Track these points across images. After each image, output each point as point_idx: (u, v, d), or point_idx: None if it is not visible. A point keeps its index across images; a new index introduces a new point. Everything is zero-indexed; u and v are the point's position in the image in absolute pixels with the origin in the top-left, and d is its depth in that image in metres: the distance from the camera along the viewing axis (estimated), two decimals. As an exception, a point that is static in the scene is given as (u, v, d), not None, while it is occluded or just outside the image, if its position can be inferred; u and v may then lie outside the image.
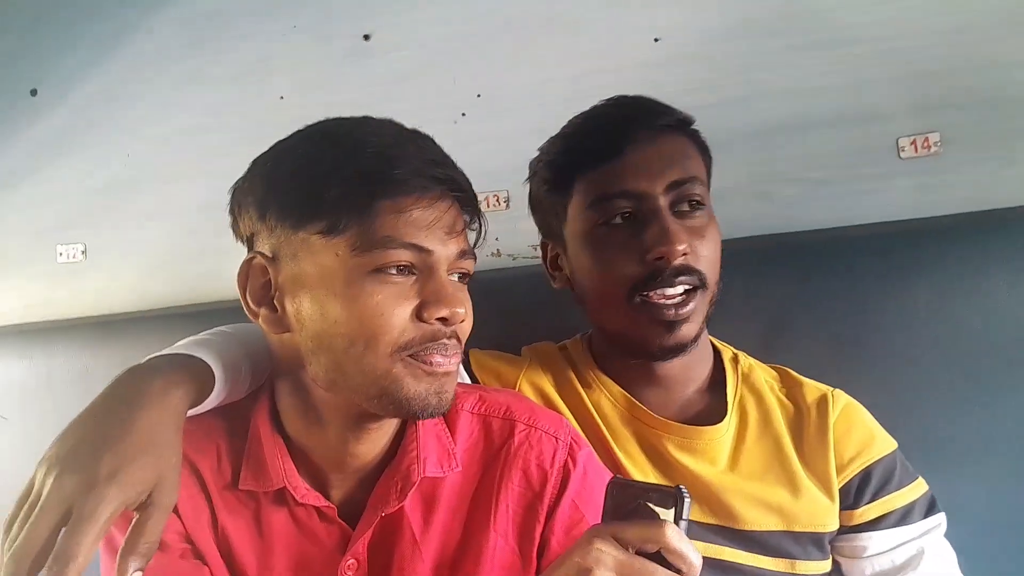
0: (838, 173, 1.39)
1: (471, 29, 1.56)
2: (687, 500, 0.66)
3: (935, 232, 1.31)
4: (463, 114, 1.56)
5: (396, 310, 0.75)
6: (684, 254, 0.97)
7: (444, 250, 0.78)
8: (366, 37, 1.61)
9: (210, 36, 1.69)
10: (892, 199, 1.36)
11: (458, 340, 0.81)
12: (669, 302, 0.98)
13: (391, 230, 0.75)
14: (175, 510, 0.79)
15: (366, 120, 0.82)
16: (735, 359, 1.14)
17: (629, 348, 1.05)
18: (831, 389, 1.10)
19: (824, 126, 1.39)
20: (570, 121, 1.10)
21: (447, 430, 0.90)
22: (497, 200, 1.54)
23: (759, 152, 1.39)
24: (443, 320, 0.77)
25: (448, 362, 0.79)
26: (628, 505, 0.68)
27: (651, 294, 0.98)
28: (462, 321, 0.80)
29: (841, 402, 1.09)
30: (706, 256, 1.00)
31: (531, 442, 0.91)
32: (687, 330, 1.00)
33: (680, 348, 1.01)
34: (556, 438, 0.91)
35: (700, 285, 0.99)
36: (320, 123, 0.83)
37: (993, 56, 1.32)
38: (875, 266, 1.30)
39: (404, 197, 0.75)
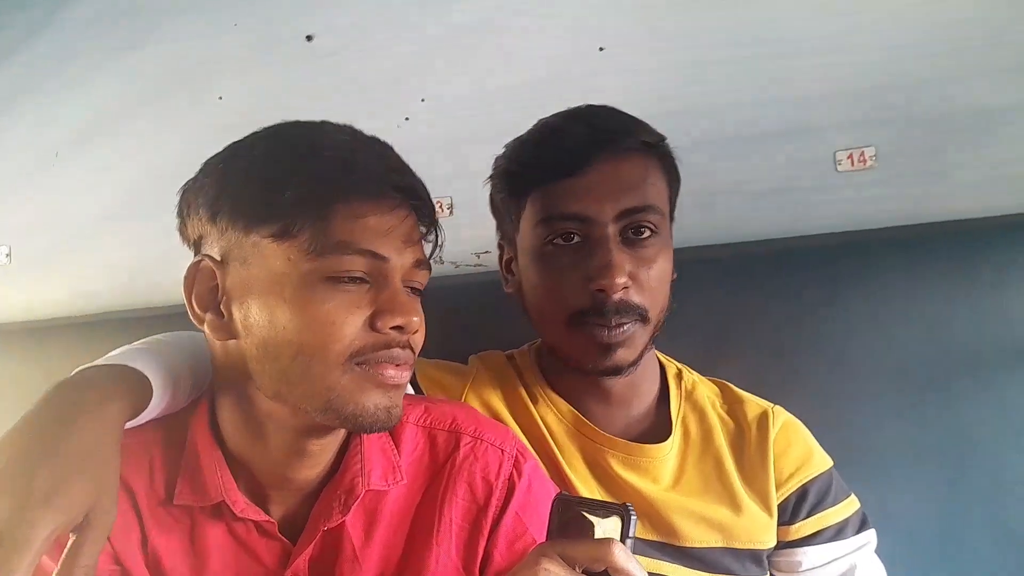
0: (778, 185, 1.40)
1: (416, 33, 1.55)
2: (634, 518, 0.66)
3: (871, 244, 1.33)
4: (406, 118, 1.54)
5: (348, 318, 0.73)
6: (625, 287, 0.95)
7: (399, 259, 0.76)
8: (309, 38, 1.58)
9: (149, 34, 1.65)
10: (830, 211, 1.38)
11: (412, 351, 0.79)
12: (605, 328, 0.96)
13: (347, 235, 0.73)
14: None
15: (324, 124, 0.80)
16: (679, 375, 1.14)
17: (568, 364, 1.04)
18: (771, 406, 1.11)
19: (765, 138, 1.40)
20: (537, 125, 1.06)
21: (392, 443, 0.88)
22: (440, 207, 1.51)
23: (701, 163, 1.39)
24: (398, 329, 0.75)
25: (399, 375, 0.77)
26: (574, 522, 0.67)
27: (588, 320, 0.97)
28: (416, 332, 0.78)
29: (781, 419, 1.09)
30: (651, 288, 0.98)
31: (476, 454, 0.89)
32: (623, 355, 0.98)
33: (616, 371, 1.00)
34: (502, 450, 0.90)
35: (640, 319, 0.98)
36: (277, 126, 0.80)
37: (928, 73, 1.35)
38: (814, 277, 1.33)
39: (361, 203, 0.74)
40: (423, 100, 1.54)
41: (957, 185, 1.35)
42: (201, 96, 1.63)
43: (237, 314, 0.76)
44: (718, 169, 1.40)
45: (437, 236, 0.84)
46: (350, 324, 0.73)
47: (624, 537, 0.65)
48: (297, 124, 0.81)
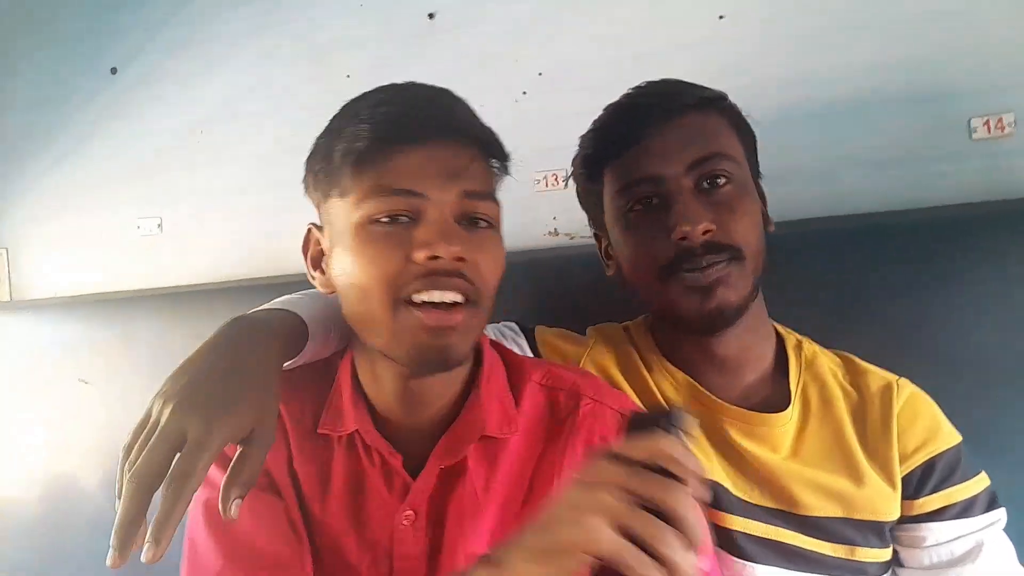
0: (906, 154, 1.35)
1: (534, 7, 1.57)
2: (680, 416, 0.68)
3: (1006, 216, 1.27)
4: (524, 92, 1.57)
5: (389, 254, 0.78)
6: (707, 231, 0.98)
7: (440, 193, 0.80)
8: (431, 16, 1.63)
9: (280, 16, 1.74)
10: (962, 182, 1.32)
11: (467, 282, 0.80)
12: (699, 267, 0.98)
13: (380, 179, 0.79)
14: None
15: (378, 89, 0.87)
16: (799, 346, 1.13)
17: (676, 325, 1.07)
18: (896, 378, 1.09)
19: (892, 105, 1.35)
20: (605, 110, 1.11)
21: (511, 396, 0.93)
22: (556, 179, 1.54)
23: (823, 132, 1.36)
24: (434, 259, 0.78)
25: (443, 318, 0.79)
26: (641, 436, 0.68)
27: (684, 272, 0.99)
28: (461, 262, 0.80)
29: (906, 391, 1.07)
30: (738, 230, 0.99)
31: (596, 415, 0.93)
32: (724, 295, 0.99)
33: (721, 315, 1.00)
34: (621, 413, 0.94)
35: (735, 258, 0.99)
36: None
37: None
38: (942, 250, 1.28)
39: (392, 147, 0.79)
40: (540, 74, 1.57)
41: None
42: (329, 74, 1.71)
43: (331, 268, 0.86)
44: (842, 138, 1.36)
45: (492, 165, 0.87)
46: (392, 260, 0.78)
47: (673, 430, 0.67)
48: (360, 97, 0.87)
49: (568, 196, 1.52)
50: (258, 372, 0.78)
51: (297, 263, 1.67)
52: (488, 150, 0.86)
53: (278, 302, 0.94)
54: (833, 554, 1.01)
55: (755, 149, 1.10)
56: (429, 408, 0.89)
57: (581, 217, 1.51)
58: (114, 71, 1.86)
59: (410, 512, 0.87)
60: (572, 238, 1.55)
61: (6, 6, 1.94)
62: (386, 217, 0.79)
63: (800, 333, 1.16)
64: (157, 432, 0.69)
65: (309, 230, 0.90)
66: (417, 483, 0.87)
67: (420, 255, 0.78)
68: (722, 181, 1.01)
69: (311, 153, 0.88)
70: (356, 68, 1.69)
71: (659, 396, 1.09)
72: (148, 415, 0.73)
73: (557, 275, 1.47)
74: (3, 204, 1.99)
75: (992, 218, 1.27)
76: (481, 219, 0.84)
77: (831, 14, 1.39)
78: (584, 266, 1.37)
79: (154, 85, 1.84)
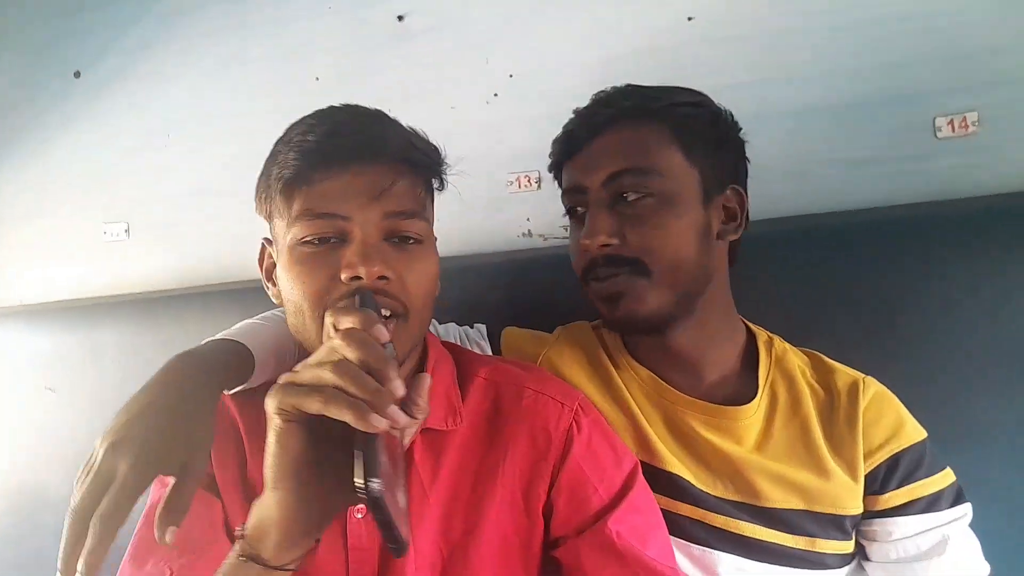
0: (875, 153, 1.37)
1: (504, 9, 1.57)
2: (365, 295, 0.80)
3: (972, 213, 1.29)
4: (495, 94, 1.56)
5: (316, 274, 0.83)
6: (604, 244, 1.02)
7: (363, 214, 0.84)
8: (400, 18, 1.62)
9: (248, 18, 1.73)
10: (929, 180, 1.35)
11: (392, 299, 0.85)
12: (603, 275, 1.04)
13: (308, 204, 0.84)
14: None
15: (315, 113, 0.90)
16: (769, 342, 1.15)
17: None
18: (863, 376, 1.11)
19: (861, 105, 1.37)
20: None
21: (458, 390, 0.97)
22: (528, 180, 1.54)
23: (795, 132, 1.38)
24: (357, 279, 0.82)
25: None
26: None
27: (588, 277, 1.07)
28: (384, 280, 0.84)
29: (872, 389, 1.09)
30: (644, 244, 1.02)
31: (538, 407, 0.96)
32: (629, 306, 1.03)
33: (632, 323, 1.05)
34: (562, 403, 0.97)
35: (637, 272, 1.02)
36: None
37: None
38: (912, 248, 1.30)
39: (315, 172, 0.84)
40: (511, 76, 1.56)
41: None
42: (298, 76, 1.69)
43: (279, 282, 0.91)
44: (812, 138, 1.38)
45: (422, 181, 0.91)
46: (318, 279, 0.83)
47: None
48: (299, 121, 0.91)
49: (541, 197, 1.54)
50: (191, 409, 0.82)
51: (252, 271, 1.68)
52: (418, 169, 0.90)
53: (234, 331, 0.98)
54: (794, 545, 1.03)
55: (718, 153, 1.08)
56: None
57: (554, 219, 1.52)
58: (78, 75, 1.83)
59: (361, 506, 0.89)
60: (545, 239, 1.55)
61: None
62: (315, 238, 0.84)
63: (771, 330, 1.18)
64: (93, 470, 0.74)
65: (262, 245, 0.96)
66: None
67: (344, 275, 0.82)
68: (636, 196, 1.03)
69: (260, 173, 0.92)
70: (325, 71, 1.68)
71: (625, 392, 1.11)
72: (93, 453, 0.77)
73: (530, 276, 1.47)
74: (-36, 211, 1.94)
75: (958, 215, 1.30)
76: (410, 236, 0.88)
77: (800, 16, 1.40)
78: (557, 267, 1.37)
79: (119, 88, 1.81)
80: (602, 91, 1.12)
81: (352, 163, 0.84)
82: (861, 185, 1.38)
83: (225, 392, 0.91)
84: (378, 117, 0.90)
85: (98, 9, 1.81)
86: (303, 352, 0.99)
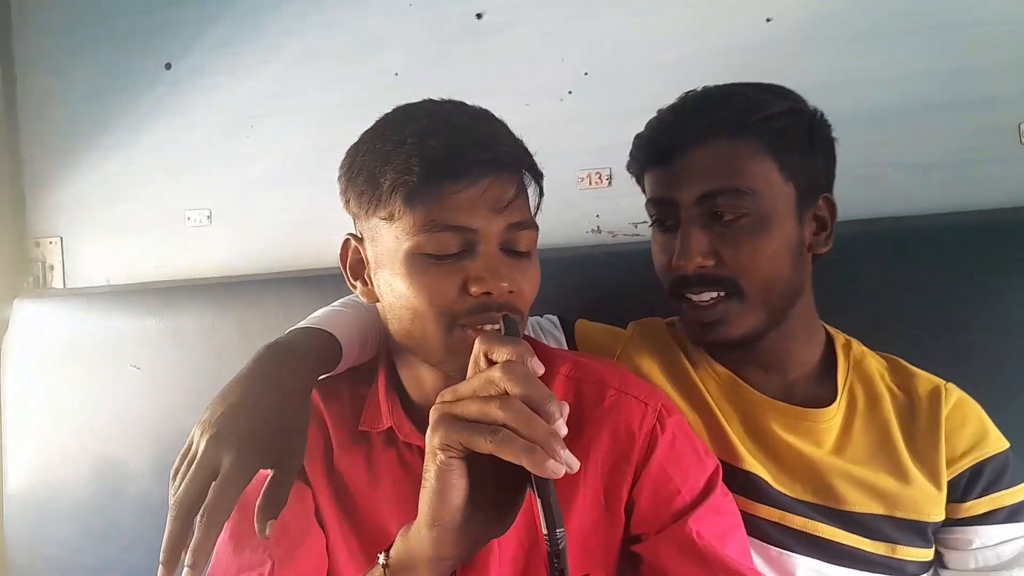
0: (953, 157, 1.36)
1: (580, 8, 1.58)
2: (509, 319, 0.79)
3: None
4: (569, 92, 1.58)
5: (445, 286, 0.83)
6: (701, 266, 1.01)
7: (489, 226, 0.84)
8: (479, 16, 1.65)
9: (332, 14, 1.77)
10: (1010, 186, 1.33)
11: (514, 311, 0.85)
12: (699, 303, 1.03)
13: (436, 215, 0.82)
14: None
15: (423, 105, 0.90)
16: (847, 345, 1.14)
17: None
18: (944, 382, 1.09)
19: (942, 109, 1.36)
20: (656, 113, 1.11)
21: None
22: (600, 177, 1.56)
23: (871, 135, 1.37)
24: (487, 295, 0.83)
25: None
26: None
27: (686, 294, 1.04)
28: (510, 293, 0.84)
29: (955, 396, 1.08)
30: (743, 265, 1.00)
31: (620, 406, 0.95)
32: (724, 332, 1.03)
33: (725, 346, 1.06)
34: (646, 403, 0.95)
35: (732, 292, 1.01)
36: (389, 113, 0.90)
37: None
38: (987, 255, 1.28)
39: (442, 182, 0.82)
40: (586, 74, 1.58)
41: None
42: (378, 71, 1.74)
43: (377, 282, 0.90)
44: (889, 141, 1.37)
45: (529, 196, 0.90)
46: (448, 291, 0.83)
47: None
48: (400, 111, 0.90)
49: (611, 194, 1.56)
50: (286, 402, 0.84)
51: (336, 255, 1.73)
52: (531, 176, 0.90)
53: (316, 318, 1.00)
54: (873, 551, 1.02)
55: (815, 161, 1.06)
56: None
57: (623, 216, 1.54)
58: (168, 66, 1.90)
59: None
60: (614, 235, 1.56)
61: (66, 1, 1.99)
62: (441, 251, 0.83)
63: (836, 329, 1.17)
64: (196, 462, 0.76)
65: (347, 240, 0.94)
66: None
67: (475, 289, 0.82)
68: (734, 216, 1.00)
69: (350, 168, 0.89)
70: (404, 66, 1.72)
71: (703, 390, 1.10)
72: (190, 442, 0.79)
73: (599, 272, 1.49)
74: (58, 194, 2.05)
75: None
76: (522, 247, 0.88)
77: (878, 20, 1.39)
78: (626, 264, 1.39)
79: (205, 80, 1.89)
80: (691, 92, 1.09)
81: (483, 176, 0.83)
82: (938, 189, 1.37)
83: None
84: (490, 120, 0.89)
85: (185, 4, 1.89)
86: (382, 340, 1.02)
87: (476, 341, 0.71)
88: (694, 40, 1.50)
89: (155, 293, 1.86)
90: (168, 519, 0.74)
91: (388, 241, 0.85)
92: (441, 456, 0.67)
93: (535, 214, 0.91)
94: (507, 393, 0.65)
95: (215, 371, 1.72)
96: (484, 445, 0.64)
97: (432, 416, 0.69)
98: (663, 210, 1.06)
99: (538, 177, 0.91)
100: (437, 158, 0.81)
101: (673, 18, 1.52)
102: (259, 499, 0.77)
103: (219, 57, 1.87)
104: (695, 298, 1.03)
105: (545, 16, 1.60)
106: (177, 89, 1.91)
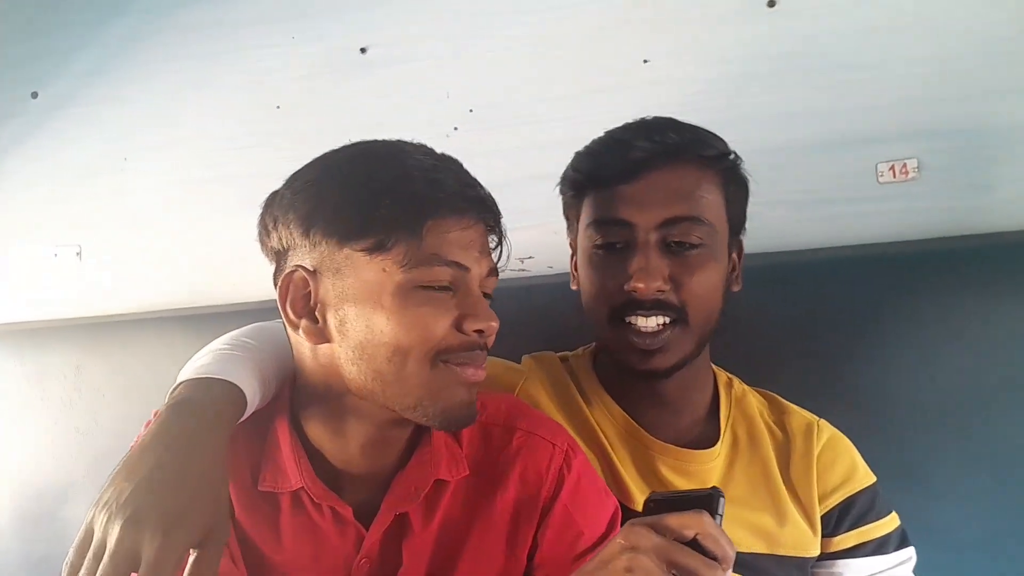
0: (820, 196, 1.42)
1: (466, 45, 1.58)
2: (722, 499, 0.71)
3: (912, 256, 1.34)
4: (455, 128, 1.59)
5: (438, 320, 0.81)
6: (660, 291, 1.00)
7: (477, 268, 0.85)
8: (363, 50, 1.63)
9: (213, 44, 1.72)
10: (871, 223, 1.39)
11: (486, 352, 0.87)
12: (644, 330, 1.01)
13: (436, 248, 0.81)
14: None
15: (404, 144, 0.88)
16: (729, 383, 1.17)
17: (616, 365, 1.10)
18: (817, 419, 1.14)
19: (807, 150, 1.41)
20: (603, 135, 1.11)
21: (454, 438, 0.95)
22: (489, 214, 1.55)
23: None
24: (479, 332, 0.83)
25: (478, 373, 0.85)
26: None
27: (629, 319, 1.02)
28: (493, 334, 0.86)
29: (827, 433, 1.12)
30: (694, 294, 1.01)
31: (528, 447, 0.96)
32: (661, 360, 1.03)
33: (657, 375, 1.05)
34: (553, 444, 0.96)
35: (679, 320, 1.02)
36: (359, 145, 0.88)
37: (972, 86, 1.35)
38: (855, 289, 1.34)
39: (447, 218, 0.82)
40: (471, 111, 1.58)
41: (1001, 198, 1.34)
42: (260, 104, 1.69)
43: (332, 320, 0.83)
44: (760, 179, 1.40)
45: (502, 246, 0.91)
46: (440, 326, 0.81)
47: (713, 513, 0.70)
48: (379, 144, 0.88)
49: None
50: (207, 469, 0.76)
51: (221, 294, 1.66)
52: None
53: (208, 365, 0.87)
54: None
55: (744, 205, 1.11)
56: (389, 456, 0.92)
57: (512, 251, 1.53)
58: (35, 95, 1.81)
59: (365, 560, 0.89)
60: (501, 271, 1.55)
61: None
62: (436, 285, 0.81)
63: (718, 367, 1.20)
64: (109, 553, 0.66)
65: (292, 272, 0.84)
66: (371, 532, 0.89)
67: (469, 327, 0.82)
68: (690, 244, 1.01)
69: (314, 196, 0.83)
70: (287, 99, 1.67)
71: (599, 431, 1.10)
72: (90, 530, 0.69)
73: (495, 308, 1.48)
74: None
75: (901, 258, 1.34)
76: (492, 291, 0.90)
77: (750, 61, 1.44)
78: (515, 299, 1.39)
79: (76, 110, 1.79)
80: (644, 119, 1.09)
81: (479, 218, 0.85)
82: (807, 226, 1.42)
83: None
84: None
85: (54, 32, 1.79)
86: (281, 376, 0.93)
87: (695, 517, 0.69)
88: (575, 80, 1.52)
89: (17, 335, 1.75)
90: None
91: (369, 273, 0.80)
92: None
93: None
94: None
95: (83, 416, 1.63)
96: None
97: (637, 561, 0.67)
98: (613, 231, 1.04)
99: (503, 233, 0.91)
100: (444, 192, 0.81)
101: (555, 57, 1.53)
102: None
103: (91, 86, 1.78)
104: (642, 324, 1.01)
105: (429, 51, 1.60)
106: (45, 119, 1.81)
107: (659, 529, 0.68)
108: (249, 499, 0.89)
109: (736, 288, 1.12)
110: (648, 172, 1.01)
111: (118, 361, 1.64)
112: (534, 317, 1.23)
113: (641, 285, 0.99)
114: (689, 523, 0.68)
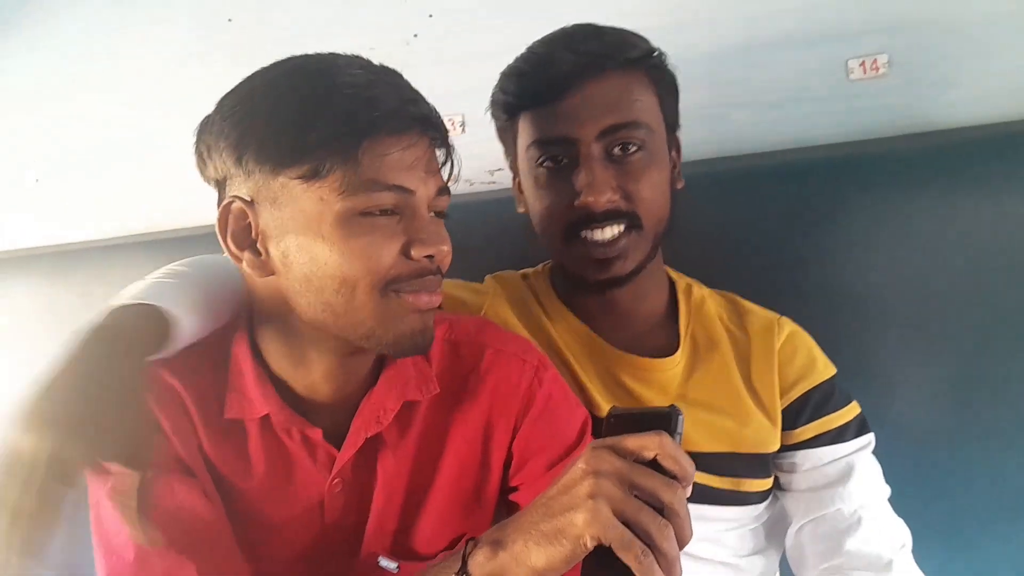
0: (788, 95, 1.39)
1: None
2: (681, 417, 0.72)
3: (882, 154, 1.33)
4: (415, 35, 1.53)
5: (384, 249, 0.78)
6: (611, 201, 1.00)
7: (424, 189, 0.80)
8: (317, -46, 1.56)
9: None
10: (841, 121, 1.37)
11: (440, 276, 0.84)
12: (600, 241, 1.02)
13: (375, 173, 0.76)
14: (166, 432, 0.84)
15: (337, 58, 0.81)
16: (688, 290, 1.18)
17: (572, 280, 1.10)
18: (778, 317, 1.16)
19: (775, 48, 1.38)
20: (524, 52, 1.09)
21: (424, 357, 0.94)
22: (452, 124, 1.52)
23: (712, 75, 1.39)
24: (429, 258, 0.80)
25: (432, 300, 0.82)
26: (625, 429, 0.72)
27: (584, 234, 1.02)
28: (445, 258, 0.83)
29: (787, 329, 1.14)
30: (643, 198, 1.02)
31: (499, 364, 0.96)
32: (620, 267, 1.04)
33: (616, 282, 1.05)
34: (523, 360, 0.97)
35: (633, 226, 1.02)
36: (288, 61, 0.82)
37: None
38: (821, 188, 1.34)
39: (385, 138, 0.76)
40: (431, 16, 1.52)
41: (968, 95, 1.33)
42: (212, 15, 1.61)
43: (275, 252, 0.80)
44: (726, 80, 1.39)
45: (453, 162, 0.87)
46: (386, 254, 0.78)
47: (672, 433, 0.70)
48: (310, 60, 0.82)
49: (465, 142, 1.50)
50: (123, 385, 0.75)
51: (184, 219, 1.63)
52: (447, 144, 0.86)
53: (143, 289, 0.84)
54: (720, 486, 1.07)
55: (676, 101, 1.11)
56: (354, 382, 0.90)
57: (479, 164, 1.51)
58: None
59: (338, 481, 0.89)
60: (472, 184, 1.54)
61: None
62: (377, 211, 0.77)
63: (686, 273, 1.21)
64: (6, 457, 0.67)
65: (229, 204, 0.80)
66: (342, 453, 0.88)
67: (417, 253, 0.79)
68: (633, 149, 1.02)
69: (240, 122, 0.78)
70: (239, 11, 1.59)
71: (561, 345, 1.11)
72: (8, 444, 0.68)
73: (456, 224, 1.46)
74: None
75: (869, 156, 1.33)
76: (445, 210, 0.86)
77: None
78: (484, 214, 1.38)
79: (16, 28, 1.70)
80: (561, 29, 1.07)
81: (421, 136, 0.81)
82: (776, 127, 1.40)
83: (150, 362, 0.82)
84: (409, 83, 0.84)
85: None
86: (231, 300, 0.91)
87: (654, 439, 0.69)
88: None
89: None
90: None
91: (306, 203, 0.76)
92: (588, 540, 0.66)
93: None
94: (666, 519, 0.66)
95: (54, 348, 1.61)
96: (630, 557, 0.64)
97: (599, 484, 0.67)
98: (555, 149, 1.04)
99: (451, 147, 0.86)
100: (380, 111, 0.76)
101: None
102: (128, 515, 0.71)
103: (30, 4, 1.68)
104: (597, 236, 1.02)
105: (384, -44, 1.52)
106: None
107: (619, 451, 0.69)
108: (216, 429, 0.88)
109: (679, 185, 1.12)
110: (580, 85, 1.01)
111: (86, 289, 1.62)
112: (505, 231, 1.21)
113: (591, 199, 0.99)
114: (648, 444, 0.68)
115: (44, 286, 1.66)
